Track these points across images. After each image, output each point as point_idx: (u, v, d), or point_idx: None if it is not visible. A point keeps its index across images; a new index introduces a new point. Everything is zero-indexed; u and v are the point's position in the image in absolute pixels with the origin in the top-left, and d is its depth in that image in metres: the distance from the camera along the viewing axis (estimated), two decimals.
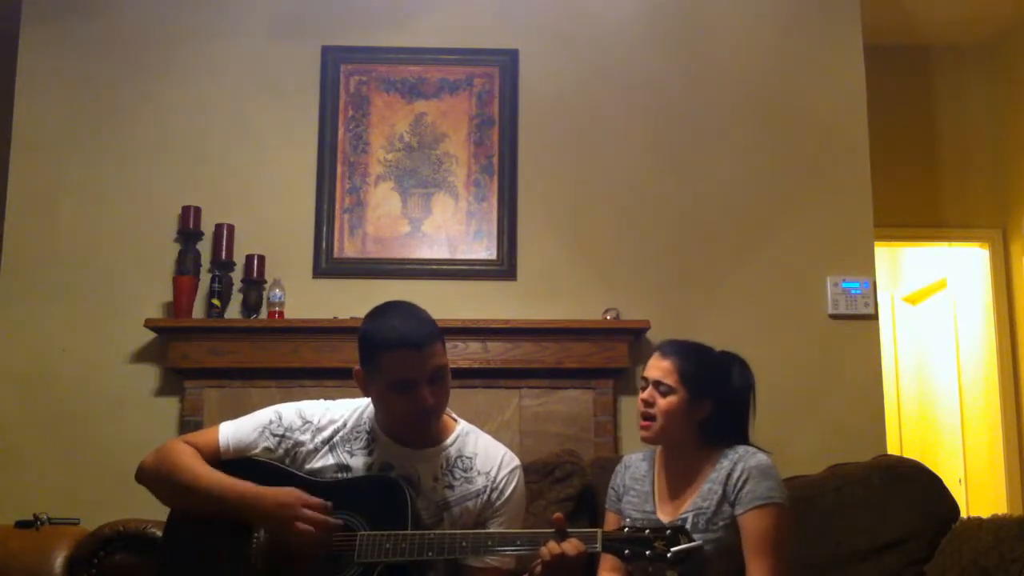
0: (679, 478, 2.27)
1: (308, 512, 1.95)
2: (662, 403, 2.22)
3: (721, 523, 2.16)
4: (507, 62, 3.94)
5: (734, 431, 2.28)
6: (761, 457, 2.21)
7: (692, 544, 1.82)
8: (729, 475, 2.18)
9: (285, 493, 1.99)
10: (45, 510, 2.97)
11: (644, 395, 2.26)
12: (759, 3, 4.04)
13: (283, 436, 2.14)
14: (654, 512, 2.26)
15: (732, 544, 2.15)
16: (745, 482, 2.16)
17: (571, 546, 1.86)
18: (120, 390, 3.68)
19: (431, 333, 2.04)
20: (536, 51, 3.97)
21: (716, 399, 2.25)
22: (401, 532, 1.95)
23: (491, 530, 2.08)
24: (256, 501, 2.00)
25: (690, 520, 2.16)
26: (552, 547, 1.87)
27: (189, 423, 3.58)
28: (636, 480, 2.35)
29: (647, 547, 1.83)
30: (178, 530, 2.14)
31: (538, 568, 1.89)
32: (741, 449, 2.23)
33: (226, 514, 2.02)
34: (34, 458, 3.62)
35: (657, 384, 2.24)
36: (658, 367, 2.25)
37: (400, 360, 2.00)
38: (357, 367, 2.11)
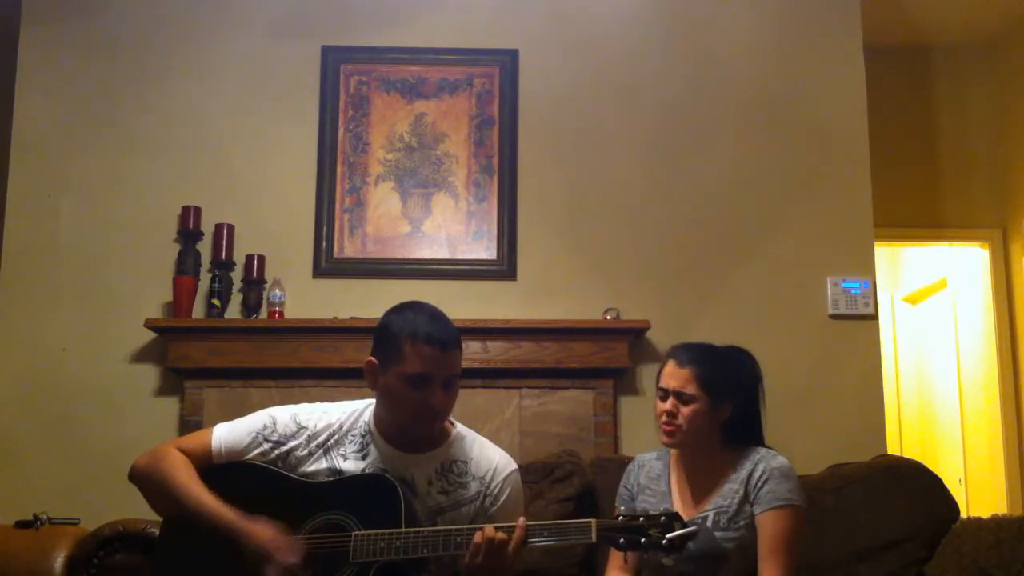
0: (699, 478, 2.27)
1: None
2: (686, 411, 2.21)
3: (743, 522, 2.18)
4: (507, 62, 3.94)
5: (753, 429, 2.31)
6: (782, 459, 2.24)
7: (687, 530, 1.82)
8: (751, 475, 2.20)
9: (263, 539, 1.96)
10: (45, 510, 2.97)
11: (666, 406, 2.23)
12: (759, 3, 4.04)
13: (276, 442, 2.14)
14: None
15: (751, 543, 2.17)
16: (766, 482, 2.18)
17: (503, 533, 1.88)
18: (120, 390, 3.68)
19: (457, 339, 2.08)
20: (536, 51, 3.96)
21: (735, 399, 2.27)
22: (395, 531, 1.94)
23: (485, 524, 2.08)
24: (235, 536, 1.98)
25: (711, 518, 2.18)
26: (487, 530, 1.89)
27: (189, 423, 3.58)
28: (652, 479, 2.35)
29: (642, 535, 1.83)
30: (175, 529, 2.14)
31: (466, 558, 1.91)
32: (762, 451, 2.26)
33: (209, 533, 2.02)
34: (34, 458, 3.62)
35: (679, 394, 2.22)
36: (676, 376, 2.24)
37: (424, 355, 2.01)
38: (370, 357, 2.10)
